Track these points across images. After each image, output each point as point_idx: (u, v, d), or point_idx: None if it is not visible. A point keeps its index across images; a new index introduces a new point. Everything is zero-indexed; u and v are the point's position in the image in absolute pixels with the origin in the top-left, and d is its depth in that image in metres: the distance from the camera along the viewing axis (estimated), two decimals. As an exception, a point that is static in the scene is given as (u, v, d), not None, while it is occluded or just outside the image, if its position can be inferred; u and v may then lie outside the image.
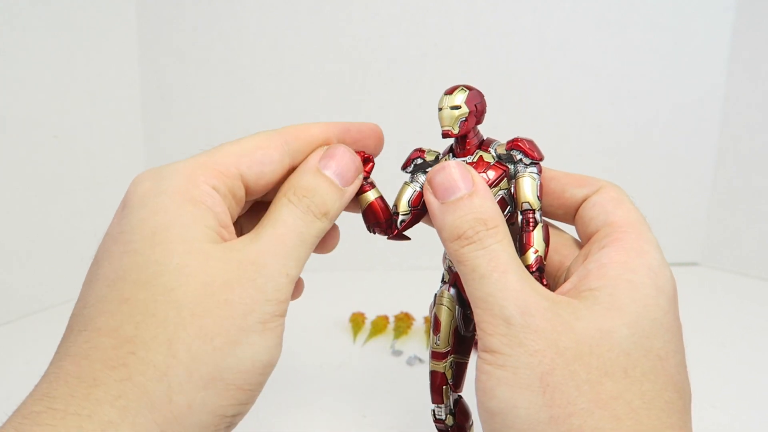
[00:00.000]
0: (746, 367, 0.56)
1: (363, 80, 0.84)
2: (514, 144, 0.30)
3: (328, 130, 0.31)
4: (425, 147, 0.32)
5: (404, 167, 0.32)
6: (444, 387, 0.31)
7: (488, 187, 0.28)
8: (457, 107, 0.29)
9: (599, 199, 0.30)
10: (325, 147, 0.30)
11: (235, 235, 0.28)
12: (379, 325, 0.64)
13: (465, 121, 0.29)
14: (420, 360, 0.58)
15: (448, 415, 0.31)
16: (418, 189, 0.31)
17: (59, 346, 0.25)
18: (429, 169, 0.30)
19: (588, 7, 0.84)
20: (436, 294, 0.32)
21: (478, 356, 0.25)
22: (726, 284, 0.84)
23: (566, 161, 0.88)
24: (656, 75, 0.86)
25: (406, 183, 0.32)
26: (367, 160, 0.31)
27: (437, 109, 0.30)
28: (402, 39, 0.84)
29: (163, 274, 0.24)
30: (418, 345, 0.61)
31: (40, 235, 0.72)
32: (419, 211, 0.31)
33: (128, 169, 0.84)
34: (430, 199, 0.28)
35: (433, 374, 0.31)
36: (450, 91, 0.30)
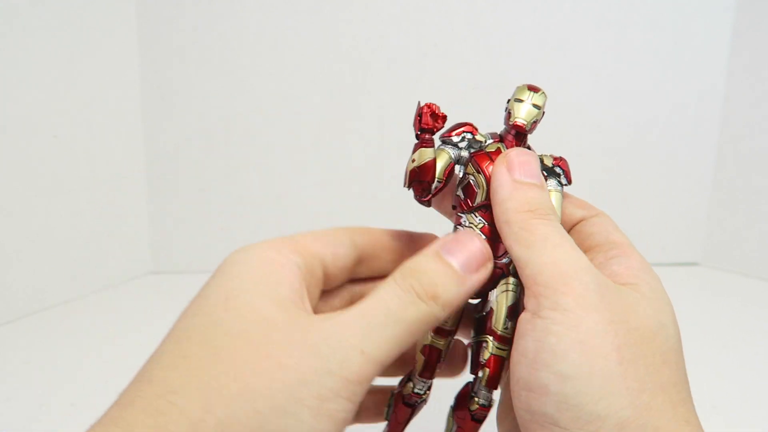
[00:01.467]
0: (746, 368, 0.56)
1: (363, 80, 0.84)
2: (560, 162, 0.31)
3: (392, 233, 0.31)
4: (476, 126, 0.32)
5: (449, 135, 0.31)
6: (437, 363, 0.31)
7: None
8: (538, 107, 0.30)
9: (600, 221, 0.31)
10: (452, 233, 0.28)
11: (312, 312, 0.26)
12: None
13: (535, 123, 0.30)
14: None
15: (427, 391, 0.31)
16: (453, 158, 0.30)
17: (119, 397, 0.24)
18: (473, 150, 0.31)
19: (588, 7, 0.84)
20: None
21: (539, 317, 0.24)
22: (726, 284, 0.84)
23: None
24: (656, 75, 0.86)
25: (443, 150, 0.31)
26: (443, 118, 0.29)
27: (515, 99, 0.30)
28: (402, 39, 0.84)
29: (226, 336, 0.23)
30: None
31: (40, 235, 0.72)
32: (447, 182, 0.30)
33: (128, 169, 0.84)
34: (502, 170, 0.28)
35: (432, 349, 0.31)
36: (535, 89, 0.30)
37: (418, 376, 0.31)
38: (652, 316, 0.25)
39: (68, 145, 0.74)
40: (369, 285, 0.32)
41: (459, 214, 0.31)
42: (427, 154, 0.29)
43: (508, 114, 0.30)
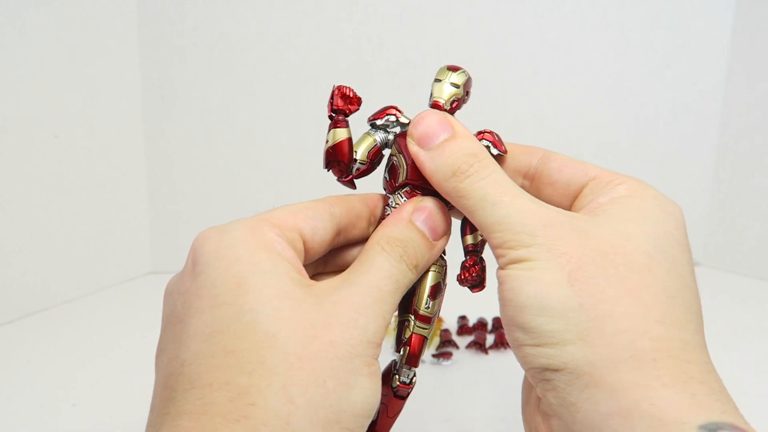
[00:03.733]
0: (746, 368, 0.56)
1: (363, 81, 0.84)
2: (485, 135, 0.32)
3: (367, 198, 0.32)
4: (402, 109, 0.33)
5: (375, 118, 0.32)
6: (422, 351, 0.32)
7: (467, 129, 0.29)
8: (456, 86, 0.30)
9: (561, 158, 0.33)
10: (417, 199, 0.30)
11: (311, 281, 0.27)
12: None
13: (455, 101, 0.30)
14: (421, 360, 0.58)
15: (414, 378, 0.32)
16: (378, 143, 0.32)
17: (165, 407, 0.24)
18: (397, 131, 0.32)
19: (588, 7, 0.84)
20: None
21: (502, 270, 0.26)
22: (726, 284, 0.84)
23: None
24: (656, 75, 0.86)
25: (368, 133, 0.32)
26: (357, 100, 0.31)
27: (434, 79, 0.31)
28: (402, 40, 0.84)
29: (260, 322, 0.24)
30: (418, 345, 0.61)
31: (40, 235, 0.72)
32: (372, 164, 0.32)
33: (128, 169, 0.84)
34: (414, 149, 0.29)
35: (420, 339, 0.31)
36: (454, 69, 0.31)
37: (412, 367, 0.31)
38: (612, 233, 0.26)
39: (69, 145, 0.74)
40: (345, 253, 0.33)
41: (387, 194, 0.32)
42: (340, 134, 0.31)
43: (430, 95, 0.31)
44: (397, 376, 0.31)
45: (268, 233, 0.27)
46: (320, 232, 0.29)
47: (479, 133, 0.31)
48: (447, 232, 0.30)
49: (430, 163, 0.28)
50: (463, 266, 0.31)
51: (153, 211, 0.88)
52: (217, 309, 0.24)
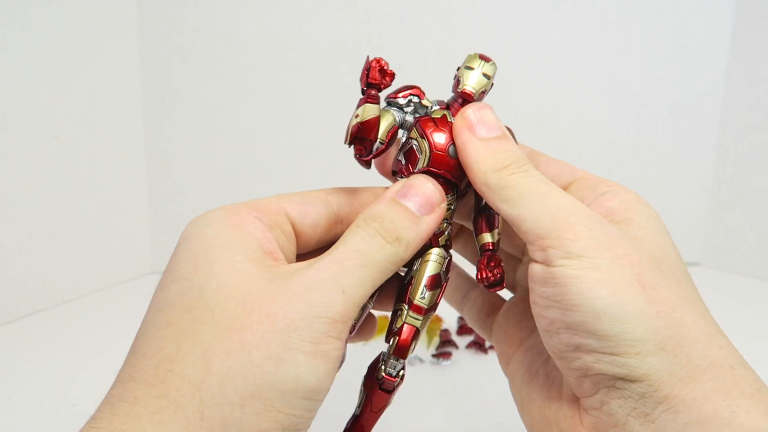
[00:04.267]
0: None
1: (363, 80, 0.84)
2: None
3: (376, 191, 0.32)
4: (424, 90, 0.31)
5: (396, 96, 0.31)
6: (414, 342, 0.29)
7: None
8: (488, 77, 0.30)
9: (552, 160, 0.32)
10: (404, 179, 0.29)
11: (286, 262, 0.27)
12: (381, 325, 0.64)
13: (483, 93, 0.30)
14: (420, 360, 0.58)
15: (402, 371, 0.30)
16: (397, 121, 0.30)
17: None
18: (417, 115, 0.30)
19: (588, 7, 0.84)
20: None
21: (554, 266, 0.25)
22: (726, 284, 0.84)
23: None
24: (656, 75, 0.86)
25: (387, 111, 0.30)
26: (392, 75, 0.29)
27: (465, 66, 0.30)
28: (402, 40, 0.84)
29: (203, 296, 0.24)
30: (419, 345, 0.61)
31: (40, 235, 0.72)
32: (388, 145, 0.30)
33: (128, 169, 0.84)
34: (463, 132, 0.28)
35: (411, 330, 0.29)
36: (486, 59, 0.30)
37: (401, 359, 0.29)
38: (654, 244, 0.26)
39: (69, 145, 0.74)
40: None
41: (399, 179, 0.30)
42: (371, 110, 0.28)
43: (457, 81, 0.30)
44: (383, 367, 0.29)
45: (244, 214, 0.27)
46: (311, 216, 0.29)
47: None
48: (436, 205, 0.28)
49: (479, 149, 0.28)
50: (485, 266, 0.30)
51: (153, 211, 0.88)
52: (173, 284, 0.25)
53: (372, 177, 0.33)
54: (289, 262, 0.29)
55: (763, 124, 0.84)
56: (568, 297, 0.24)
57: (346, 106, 0.84)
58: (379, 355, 0.30)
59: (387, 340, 0.30)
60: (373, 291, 0.26)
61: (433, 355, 0.59)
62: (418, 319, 0.29)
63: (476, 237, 0.31)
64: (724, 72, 0.86)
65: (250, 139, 0.87)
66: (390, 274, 0.27)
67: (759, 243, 0.86)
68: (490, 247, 0.30)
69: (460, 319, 0.67)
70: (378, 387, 0.29)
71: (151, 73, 0.84)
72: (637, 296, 0.24)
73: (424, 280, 0.29)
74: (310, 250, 0.30)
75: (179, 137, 0.86)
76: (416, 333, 0.29)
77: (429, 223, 0.28)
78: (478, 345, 0.61)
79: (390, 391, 0.29)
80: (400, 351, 0.29)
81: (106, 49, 0.79)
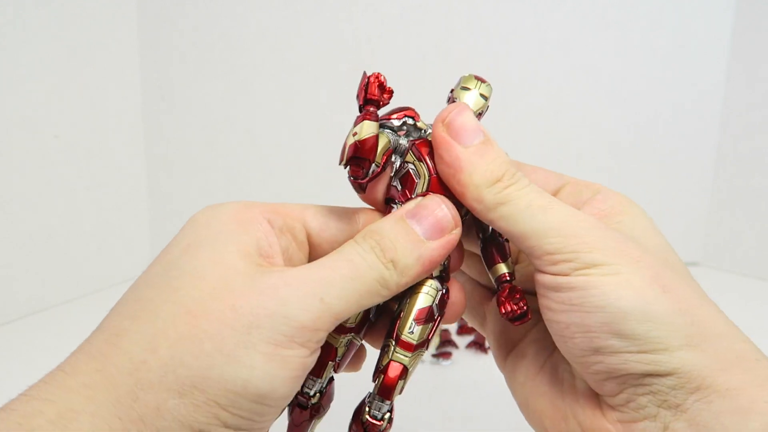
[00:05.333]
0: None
1: (363, 80, 0.84)
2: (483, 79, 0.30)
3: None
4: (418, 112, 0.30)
5: (390, 118, 0.29)
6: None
7: None
8: (485, 97, 0.29)
9: (530, 166, 0.32)
10: (419, 198, 0.27)
11: (271, 264, 0.26)
12: None
13: (480, 114, 0.29)
14: (420, 360, 0.58)
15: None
16: (392, 145, 0.28)
17: None
18: (412, 138, 0.29)
19: (588, 7, 0.84)
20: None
21: (573, 277, 0.24)
22: (726, 284, 0.84)
23: (566, 161, 0.88)
24: (656, 75, 0.86)
25: (381, 132, 0.28)
26: (390, 92, 0.27)
27: (461, 87, 0.29)
28: (402, 40, 0.84)
29: (178, 278, 0.23)
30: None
31: (40, 235, 0.72)
32: (383, 168, 0.28)
33: (128, 169, 0.84)
34: (451, 143, 0.26)
35: (398, 368, 0.27)
36: (482, 80, 0.29)
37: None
38: (654, 245, 0.27)
39: (69, 145, 0.74)
40: None
41: (393, 206, 0.28)
42: (370, 128, 0.26)
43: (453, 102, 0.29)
44: (367, 410, 0.27)
45: (255, 212, 0.26)
46: (331, 230, 0.28)
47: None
48: (447, 231, 0.26)
49: (471, 163, 0.26)
50: (510, 298, 0.28)
51: (153, 211, 0.88)
52: (157, 265, 0.24)
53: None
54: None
55: (763, 124, 0.84)
56: (590, 300, 0.24)
57: (346, 106, 0.84)
58: (365, 397, 0.28)
59: (373, 379, 0.28)
60: (357, 310, 0.25)
61: (433, 355, 0.59)
62: (407, 356, 0.27)
63: (489, 268, 0.29)
64: (724, 72, 0.86)
65: (250, 139, 0.87)
66: (379, 299, 0.25)
67: (759, 243, 0.86)
68: (506, 278, 0.29)
69: (461, 319, 0.67)
70: (362, 430, 0.27)
71: (151, 73, 0.84)
72: (660, 295, 0.24)
73: (413, 314, 0.27)
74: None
75: (179, 137, 0.86)
76: (404, 371, 0.27)
77: (434, 249, 0.26)
78: (478, 345, 0.61)
79: None
80: (386, 391, 0.27)
81: (106, 49, 0.79)
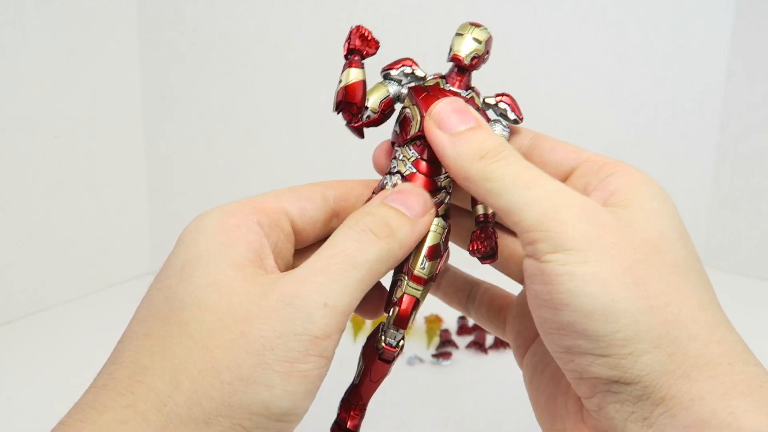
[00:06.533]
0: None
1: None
2: (503, 98, 0.31)
3: (370, 183, 0.31)
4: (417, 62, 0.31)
5: (389, 68, 0.32)
6: (414, 313, 0.29)
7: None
8: (479, 41, 0.30)
9: (552, 139, 0.31)
10: (394, 186, 0.29)
11: (277, 269, 0.26)
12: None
13: (476, 58, 0.30)
14: (420, 360, 0.58)
15: (400, 342, 0.30)
16: (392, 93, 0.31)
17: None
18: (411, 84, 0.31)
19: (588, 7, 0.84)
20: None
21: (543, 262, 0.23)
22: (726, 285, 0.84)
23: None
24: (656, 75, 0.86)
25: (381, 83, 0.31)
26: (375, 44, 0.30)
27: (456, 34, 0.30)
28: (402, 40, 0.84)
29: (183, 309, 0.23)
30: (418, 345, 0.61)
31: (40, 235, 0.72)
32: (383, 115, 0.31)
33: (128, 169, 0.84)
34: (435, 132, 0.27)
35: (411, 300, 0.29)
36: (477, 25, 0.30)
37: (400, 329, 0.29)
38: (649, 228, 0.25)
39: (69, 145, 0.74)
40: None
41: (395, 147, 0.30)
42: (355, 74, 0.29)
43: (449, 50, 0.30)
44: (383, 338, 0.29)
45: (241, 216, 0.26)
46: (309, 212, 0.28)
47: (497, 95, 0.31)
48: (426, 211, 0.28)
49: (454, 149, 0.26)
50: (476, 236, 0.29)
51: (153, 211, 0.88)
52: (158, 291, 0.25)
53: (370, 175, 0.33)
54: (285, 261, 0.28)
55: (763, 124, 0.84)
56: (557, 296, 0.23)
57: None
58: (379, 325, 0.30)
59: (386, 311, 0.29)
60: (363, 295, 0.25)
61: (433, 355, 0.59)
62: (418, 290, 0.29)
63: (472, 209, 0.31)
64: (724, 72, 0.86)
65: (250, 139, 0.87)
66: (381, 276, 0.26)
67: (760, 243, 0.86)
68: (481, 219, 0.30)
69: (461, 319, 0.67)
70: (378, 357, 0.29)
71: (151, 73, 0.84)
72: (629, 291, 0.22)
73: (424, 251, 0.28)
74: (308, 244, 0.30)
75: (179, 137, 0.86)
76: (416, 303, 0.29)
77: (422, 225, 0.27)
78: (478, 345, 0.61)
79: (390, 361, 0.29)
80: (401, 321, 0.28)
81: (106, 49, 0.79)
